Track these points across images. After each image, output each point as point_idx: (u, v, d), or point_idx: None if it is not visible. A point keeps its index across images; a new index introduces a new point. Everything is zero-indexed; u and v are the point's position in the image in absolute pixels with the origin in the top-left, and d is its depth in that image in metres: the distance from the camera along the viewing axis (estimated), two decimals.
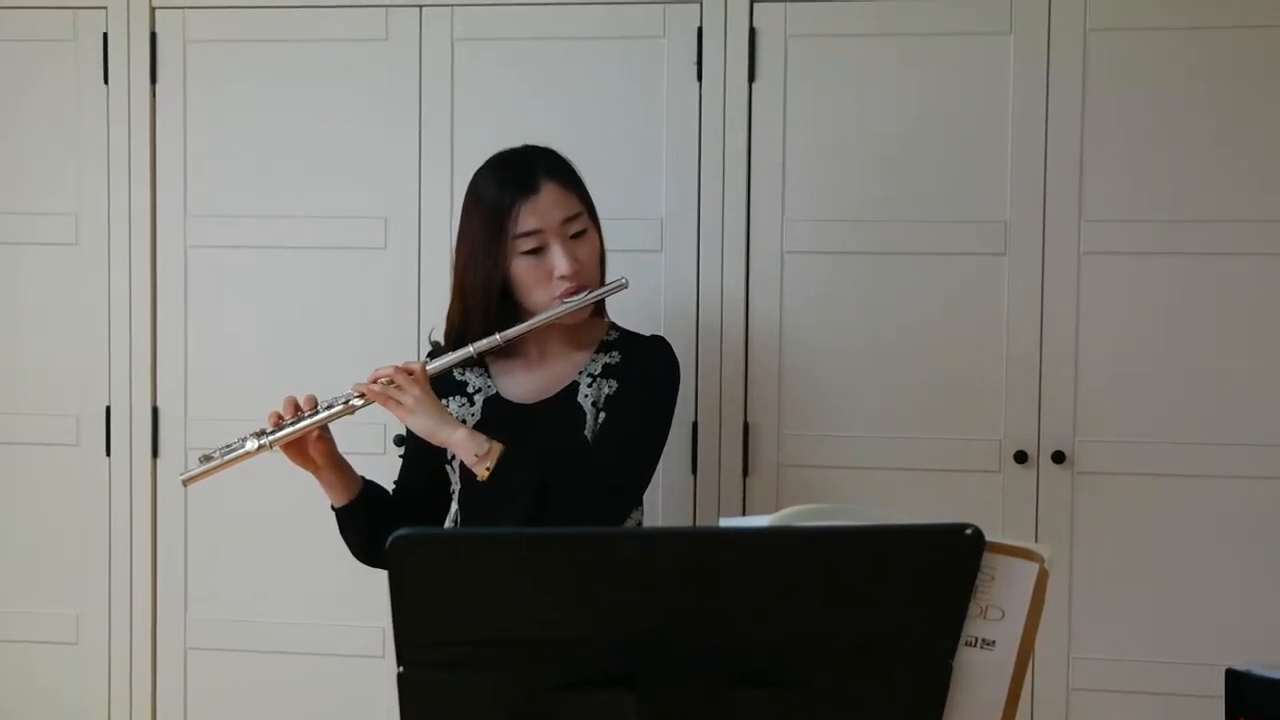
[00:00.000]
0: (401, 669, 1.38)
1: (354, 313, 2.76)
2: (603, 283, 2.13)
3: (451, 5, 2.71)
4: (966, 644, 1.44)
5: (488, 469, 1.97)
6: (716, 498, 2.67)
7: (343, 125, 2.76)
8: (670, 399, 2.16)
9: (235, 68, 2.78)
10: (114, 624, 2.84)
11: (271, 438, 2.01)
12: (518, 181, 2.06)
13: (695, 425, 2.67)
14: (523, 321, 2.08)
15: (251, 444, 2.01)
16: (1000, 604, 1.43)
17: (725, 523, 1.50)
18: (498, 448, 1.98)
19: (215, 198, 2.80)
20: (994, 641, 1.44)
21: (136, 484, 2.82)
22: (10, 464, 2.87)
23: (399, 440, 2.68)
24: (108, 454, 2.83)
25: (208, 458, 2.05)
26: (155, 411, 2.82)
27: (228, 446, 2.04)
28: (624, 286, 2.12)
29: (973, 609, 1.43)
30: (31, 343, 2.86)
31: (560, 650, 1.40)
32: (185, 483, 2.08)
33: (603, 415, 2.09)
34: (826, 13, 2.64)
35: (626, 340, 2.19)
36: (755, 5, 2.65)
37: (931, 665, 1.43)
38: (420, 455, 2.19)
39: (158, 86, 2.80)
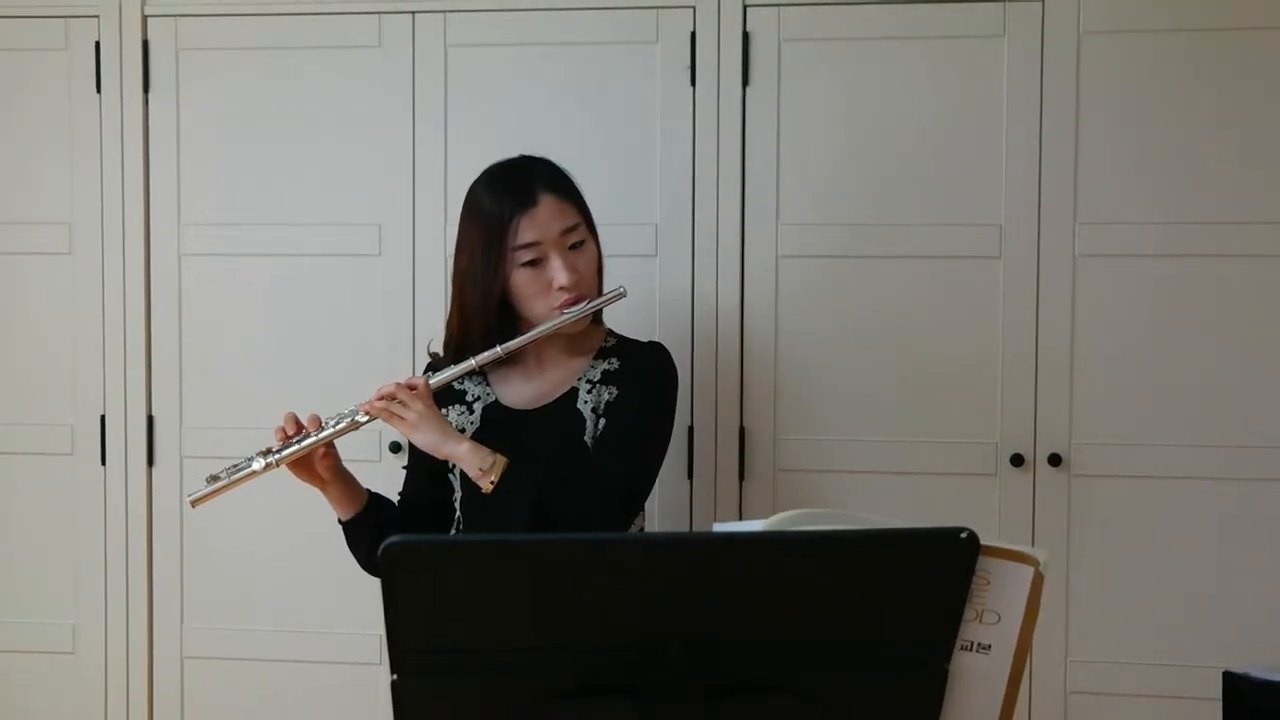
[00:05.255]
0: (395, 677, 1.38)
1: (349, 319, 2.76)
2: (601, 291, 2.14)
3: (444, 11, 2.71)
4: (962, 648, 1.44)
5: (492, 482, 1.98)
6: (713, 503, 2.67)
7: (336, 132, 2.76)
8: (670, 404, 2.17)
9: (228, 75, 2.78)
10: (110, 633, 2.84)
11: (278, 456, 2.03)
12: (516, 194, 2.07)
13: (691, 430, 2.67)
14: (522, 331, 2.09)
15: (259, 463, 2.03)
16: (996, 608, 1.43)
17: (719, 528, 1.50)
18: (501, 461, 1.99)
19: (209, 206, 2.80)
20: (990, 645, 1.44)
21: (132, 493, 2.82)
22: (5, 473, 2.87)
23: (394, 447, 2.68)
24: (103, 463, 2.83)
25: (215, 478, 2.07)
26: (150, 420, 2.82)
27: (235, 466, 2.05)
28: (622, 296, 2.13)
29: (968, 613, 1.43)
30: (26, 352, 2.85)
31: (556, 657, 1.40)
32: (194, 504, 2.08)
33: (603, 422, 2.09)
34: (820, 17, 2.64)
35: (624, 346, 2.20)
36: (749, 9, 2.65)
37: (927, 670, 1.43)
38: (423, 466, 2.20)
39: (150, 95, 2.79)
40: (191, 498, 2.08)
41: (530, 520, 1.96)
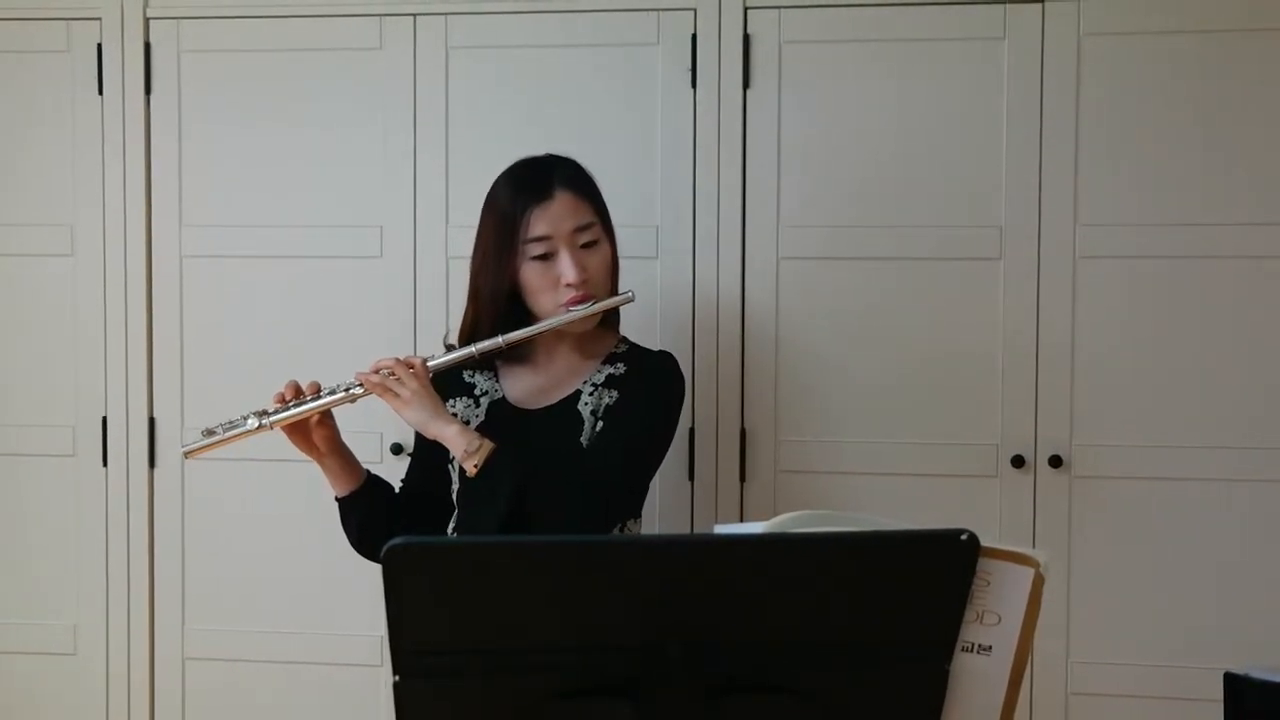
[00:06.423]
0: (397, 678, 1.38)
1: (350, 321, 2.76)
2: (614, 294, 2.15)
3: (445, 14, 2.72)
4: (963, 649, 1.44)
5: (476, 465, 1.99)
6: (714, 504, 2.67)
7: (338, 134, 2.76)
8: (669, 414, 2.16)
9: (230, 77, 2.78)
10: (111, 634, 2.84)
11: (273, 418, 2.06)
12: (532, 187, 2.09)
13: (692, 432, 2.67)
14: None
15: (252, 422, 2.06)
16: (996, 609, 1.43)
17: (720, 529, 1.50)
18: (488, 445, 2.00)
19: (211, 207, 2.80)
20: (990, 647, 1.44)
21: (133, 494, 2.82)
22: (7, 475, 2.87)
23: (396, 449, 2.68)
24: (104, 464, 2.83)
25: (210, 432, 2.10)
26: (152, 422, 2.82)
27: (230, 422, 2.08)
28: (630, 300, 2.14)
29: (969, 614, 1.43)
30: (28, 353, 2.85)
31: (557, 658, 1.40)
32: (186, 455, 2.12)
33: (600, 424, 2.10)
34: (820, 19, 2.64)
35: (634, 353, 2.20)
36: (749, 12, 2.65)
37: (928, 671, 1.43)
38: (426, 454, 2.21)
39: (152, 97, 2.80)
40: (185, 449, 2.12)
41: (509, 511, 1.97)
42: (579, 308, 2.08)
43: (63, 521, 2.85)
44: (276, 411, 2.06)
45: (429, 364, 2.07)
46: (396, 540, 1.34)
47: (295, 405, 2.06)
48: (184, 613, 2.83)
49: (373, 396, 2.07)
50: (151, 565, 2.83)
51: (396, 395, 2.03)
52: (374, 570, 1.56)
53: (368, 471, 2.18)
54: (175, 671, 2.83)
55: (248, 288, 2.80)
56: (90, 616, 2.85)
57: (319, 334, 2.77)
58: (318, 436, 2.10)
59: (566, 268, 2.07)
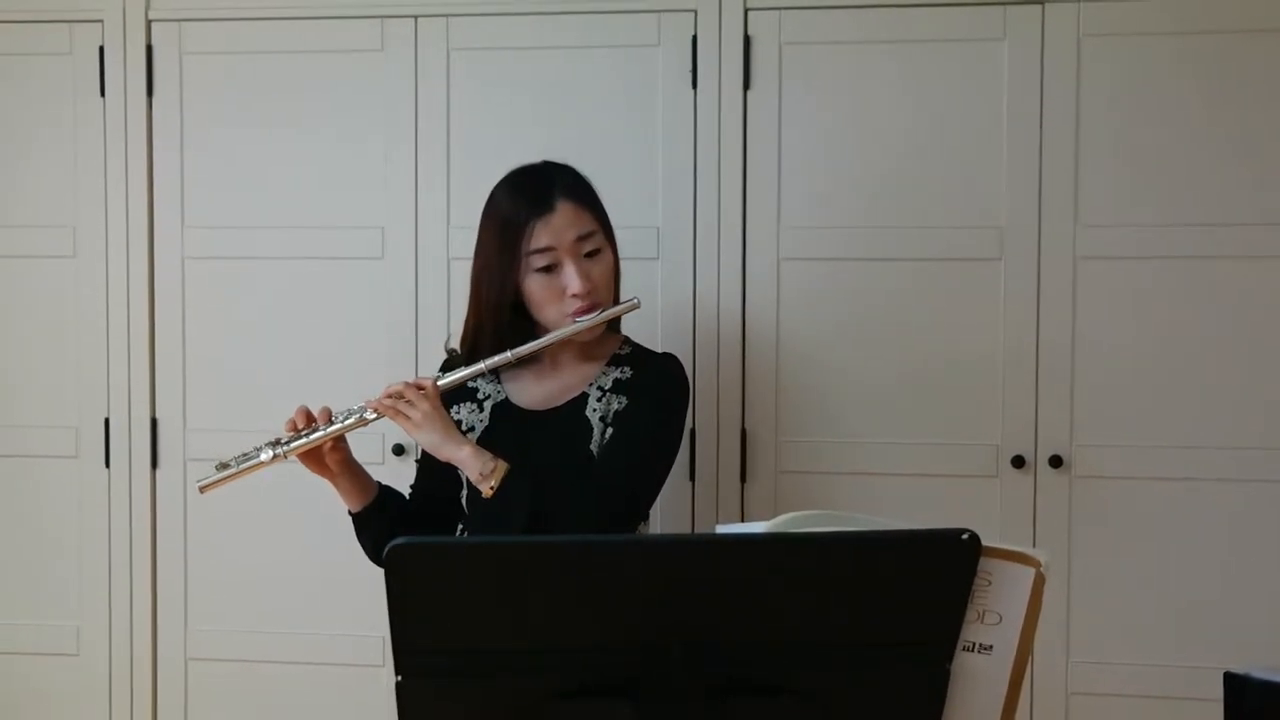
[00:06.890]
0: (400, 678, 1.38)
1: (351, 322, 2.77)
2: (617, 300, 2.15)
3: (447, 16, 2.72)
4: (964, 649, 1.44)
5: (492, 487, 1.99)
6: (715, 504, 2.68)
7: (339, 135, 2.76)
8: (678, 420, 2.17)
9: (231, 79, 2.79)
10: (114, 635, 2.84)
11: (287, 448, 2.05)
12: (533, 199, 2.08)
13: (693, 432, 2.67)
14: (536, 333, 2.11)
15: (267, 454, 2.04)
16: (997, 609, 1.43)
17: (722, 529, 1.50)
18: (502, 467, 2.00)
19: (212, 209, 2.81)
20: (991, 646, 1.44)
21: (136, 495, 2.82)
22: (10, 476, 2.87)
23: (398, 449, 2.69)
24: (107, 465, 2.83)
25: (224, 465, 2.08)
26: (154, 423, 2.82)
27: (244, 455, 2.07)
28: (636, 307, 2.14)
29: (970, 614, 1.43)
30: (30, 355, 2.86)
31: (558, 659, 1.41)
32: (202, 490, 2.09)
33: (609, 431, 2.10)
34: (821, 20, 2.65)
35: (638, 356, 2.20)
36: (750, 13, 2.65)
37: (929, 670, 1.43)
38: (432, 459, 2.20)
39: (154, 99, 2.80)
40: (200, 484, 2.09)
41: (528, 528, 1.97)
42: (585, 318, 2.07)
43: (65, 522, 2.86)
44: (290, 440, 2.05)
45: (439, 383, 2.07)
46: (398, 540, 1.35)
47: (308, 433, 2.05)
48: (186, 613, 2.83)
49: (383, 420, 2.07)
50: (154, 566, 2.83)
51: (408, 418, 2.03)
52: (375, 570, 1.56)
53: (379, 484, 2.19)
54: (178, 672, 2.84)
55: (249, 289, 2.80)
56: (93, 617, 2.85)
57: (320, 335, 2.78)
58: (331, 460, 2.09)
59: (571, 279, 2.06)
